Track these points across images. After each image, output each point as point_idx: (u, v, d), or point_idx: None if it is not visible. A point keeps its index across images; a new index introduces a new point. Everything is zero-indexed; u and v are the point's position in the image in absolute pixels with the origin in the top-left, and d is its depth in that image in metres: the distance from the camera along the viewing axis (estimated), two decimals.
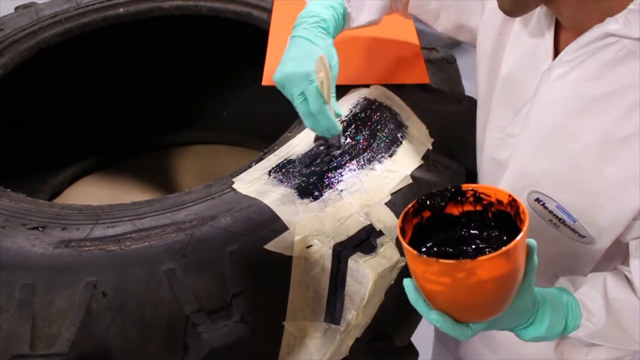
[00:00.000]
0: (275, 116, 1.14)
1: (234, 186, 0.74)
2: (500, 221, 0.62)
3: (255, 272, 0.68)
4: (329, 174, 0.76)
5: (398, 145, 0.82)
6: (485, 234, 0.63)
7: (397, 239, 0.74)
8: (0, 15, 1.13)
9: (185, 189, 0.77)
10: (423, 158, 0.82)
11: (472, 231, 0.64)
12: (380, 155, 0.79)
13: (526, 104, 0.73)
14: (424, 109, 0.91)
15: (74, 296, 0.63)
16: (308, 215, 0.72)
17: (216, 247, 0.67)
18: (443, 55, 1.06)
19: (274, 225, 0.70)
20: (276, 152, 0.80)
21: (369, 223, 0.73)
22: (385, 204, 0.75)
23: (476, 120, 0.88)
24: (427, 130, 0.89)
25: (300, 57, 0.73)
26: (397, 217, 0.74)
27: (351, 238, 0.72)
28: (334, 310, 0.72)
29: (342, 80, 0.89)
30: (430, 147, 0.86)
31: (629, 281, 0.70)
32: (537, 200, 0.73)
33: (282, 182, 0.75)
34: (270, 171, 0.77)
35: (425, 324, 1.23)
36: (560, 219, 0.72)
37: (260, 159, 0.80)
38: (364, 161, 0.78)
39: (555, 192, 0.71)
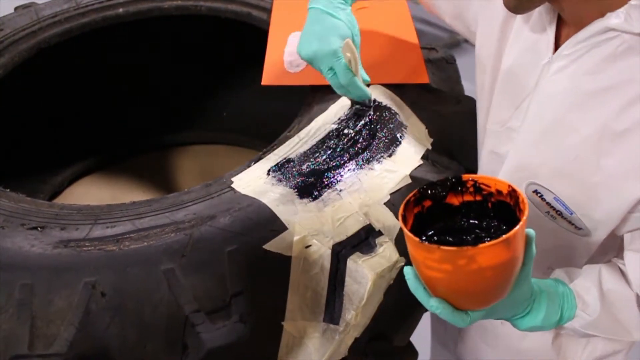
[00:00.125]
0: (275, 116, 1.14)
1: (233, 186, 0.74)
2: (500, 211, 0.62)
3: (254, 272, 0.68)
4: (328, 174, 0.76)
5: (397, 145, 0.82)
6: (484, 223, 0.64)
7: (396, 238, 0.74)
8: (0, 15, 1.13)
9: (185, 189, 0.77)
10: (422, 158, 0.82)
11: (471, 221, 0.65)
12: (379, 155, 0.79)
13: (527, 98, 0.74)
14: (424, 109, 0.91)
15: (73, 296, 0.63)
16: (307, 215, 0.72)
17: (215, 247, 0.67)
18: (443, 55, 1.06)
19: (273, 225, 0.70)
20: (275, 152, 0.80)
21: (368, 223, 0.73)
22: (385, 203, 0.75)
23: (477, 117, 0.88)
24: (427, 130, 0.89)
25: (324, 33, 0.77)
26: (397, 217, 0.74)
27: (350, 238, 0.72)
28: (332, 310, 0.72)
29: None
30: (430, 147, 0.86)
31: (623, 273, 0.71)
32: (535, 192, 0.74)
33: (281, 181, 0.75)
34: (269, 171, 0.77)
35: (425, 323, 1.23)
36: (557, 211, 0.73)
37: (260, 159, 0.80)
38: (363, 161, 0.78)
39: (554, 184, 0.71)
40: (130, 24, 1.17)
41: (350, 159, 0.78)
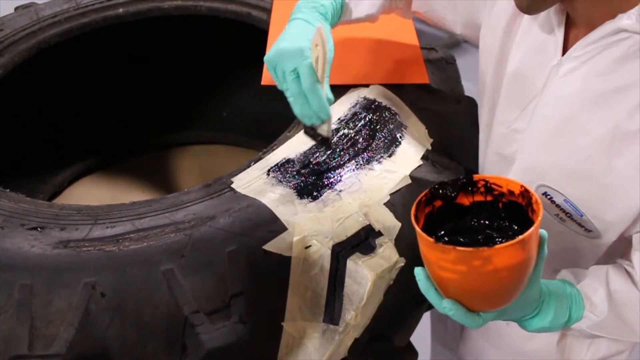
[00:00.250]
0: (275, 116, 1.14)
1: (232, 186, 0.74)
2: (511, 212, 0.62)
3: (254, 272, 0.68)
4: (328, 174, 0.76)
5: (397, 146, 0.82)
6: (495, 224, 0.64)
7: (396, 239, 0.74)
8: (0, 15, 1.13)
9: (185, 189, 0.77)
10: (422, 158, 0.82)
11: (482, 221, 0.65)
12: (379, 156, 0.79)
13: (534, 99, 0.74)
14: (424, 109, 0.91)
15: (73, 297, 0.63)
16: (307, 215, 0.71)
17: (215, 248, 0.67)
18: (442, 55, 1.06)
19: (273, 225, 0.70)
20: (275, 152, 0.80)
21: (367, 223, 0.73)
22: (384, 204, 0.75)
23: (478, 118, 0.88)
24: (427, 131, 0.89)
25: (295, 35, 0.72)
26: (396, 217, 0.74)
27: (350, 238, 0.72)
28: (332, 310, 0.72)
29: (342, 80, 0.89)
30: (430, 147, 0.86)
31: (629, 274, 0.71)
32: (545, 194, 0.74)
33: (280, 182, 0.75)
34: (269, 171, 0.77)
35: (425, 323, 1.23)
36: (567, 213, 0.73)
37: (260, 159, 0.80)
38: (362, 161, 0.78)
39: (564, 186, 0.71)
40: (130, 24, 1.17)
41: (350, 160, 0.78)
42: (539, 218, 0.55)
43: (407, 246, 0.74)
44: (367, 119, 0.84)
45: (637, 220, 0.68)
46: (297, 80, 0.69)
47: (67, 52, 1.13)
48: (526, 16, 0.74)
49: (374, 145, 0.80)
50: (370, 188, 0.76)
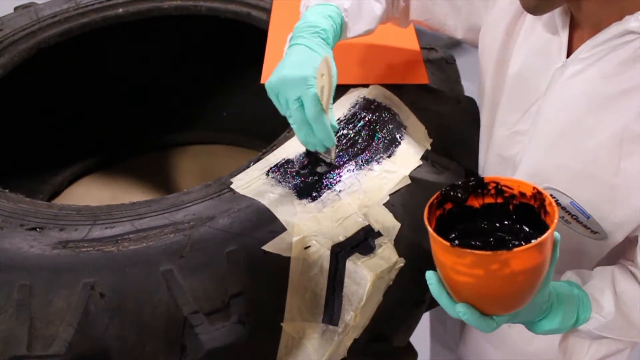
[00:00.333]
0: (275, 116, 1.13)
1: (232, 186, 0.74)
2: (522, 214, 0.62)
3: (254, 273, 0.68)
4: (328, 175, 0.76)
5: (397, 146, 0.81)
6: (505, 226, 0.64)
7: (395, 239, 0.74)
8: (0, 15, 1.13)
9: (184, 189, 0.77)
10: (422, 158, 0.82)
11: (492, 223, 0.64)
12: (378, 156, 0.79)
13: (537, 101, 0.73)
14: (423, 109, 0.91)
15: (72, 297, 0.63)
16: (306, 215, 0.71)
17: (214, 248, 0.67)
18: (442, 56, 1.06)
19: (272, 226, 0.70)
20: (274, 152, 0.80)
21: (367, 224, 0.73)
22: (384, 204, 0.75)
23: (479, 120, 0.88)
24: (426, 131, 0.89)
25: (299, 62, 0.70)
26: (396, 218, 0.74)
27: (349, 239, 0.72)
28: (332, 311, 0.72)
29: (341, 80, 0.88)
30: (429, 148, 0.86)
31: (633, 275, 0.71)
32: (550, 196, 0.74)
33: (280, 182, 0.75)
34: (268, 171, 0.77)
35: (424, 324, 1.23)
36: (573, 216, 0.73)
37: (259, 159, 0.79)
38: (362, 161, 0.78)
39: (570, 188, 0.71)
40: (130, 24, 1.17)
41: (349, 160, 0.78)
42: (555, 220, 0.55)
43: (406, 247, 0.74)
44: (367, 119, 0.83)
45: None
46: (301, 108, 0.68)
47: (67, 52, 1.14)
48: (529, 17, 0.73)
49: (373, 146, 0.80)
50: (369, 188, 0.75)
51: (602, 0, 0.63)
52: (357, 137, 0.81)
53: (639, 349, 1.03)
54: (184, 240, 0.67)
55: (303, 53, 0.72)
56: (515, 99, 0.77)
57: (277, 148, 0.81)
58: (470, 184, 0.63)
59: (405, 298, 0.78)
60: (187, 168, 1.39)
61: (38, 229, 0.69)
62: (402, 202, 0.76)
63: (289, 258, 0.69)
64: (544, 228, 0.56)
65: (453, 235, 0.63)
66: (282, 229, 0.70)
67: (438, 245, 0.56)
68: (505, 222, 0.64)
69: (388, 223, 0.74)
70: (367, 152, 0.79)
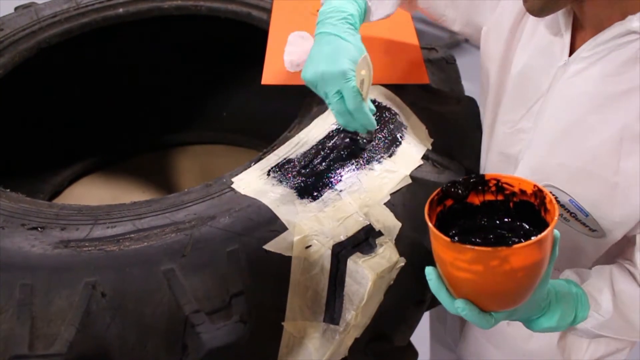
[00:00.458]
0: (275, 116, 1.14)
1: (233, 186, 0.74)
2: (522, 211, 0.62)
3: (255, 272, 0.68)
4: (328, 174, 0.76)
5: (397, 146, 0.82)
6: (505, 223, 0.64)
7: (396, 239, 0.74)
8: (0, 15, 1.13)
9: (185, 189, 0.77)
10: (422, 158, 0.82)
11: (492, 220, 0.64)
12: (379, 156, 0.79)
13: (539, 100, 0.74)
14: (424, 109, 0.91)
15: (73, 296, 0.63)
16: (307, 215, 0.72)
17: (215, 248, 0.67)
18: (443, 56, 1.06)
19: (273, 225, 0.70)
20: (275, 152, 0.80)
21: (368, 223, 0.73)
22: (385, 204, 0.75)
23: (481, 119, 0.88)
24: (427, 131, 0.89)
25: (333, 55, 0.71)
26: (396, 217, 0.75)
27: (350, 238, 0.72)
28: (333, 310, 0.72)
29: None
30: (430, 147, 0.86)
31: (631, 274, 0.72)
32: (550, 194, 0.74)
33: (281, 182, 0.75)
34: (269, 171, 0.77)
35: (424, 324, 1.23)
36: (571, 213, 0.73)
37: (260, 159, 0.80)
38: (363, 161, 0.78)
39: (570, 186, 0.71)
40: (130, 24, 1.17)
41: (350, 159, 0.78)
42: (555, 218, 0.55)
43: (407, 246, 0.74)
44: None
45: None
46: (341, 100, 0.70)
47: (67, 52, 1.14)
48: (532, 17, 0.74)
49: (374, 145, 0.80)
50: (370, 188, 0.76)
51: (605, 1, 0.64)
52: (357, 137, 0.81)
53: (639, 349, 1.03)
54: (185, 239, 0.67)
55: (334, 44, 0.72)
56: (518, 97, 0.77)
57: (277, 148, 0.81)
58: (471, 180, 0.63)
59: (406, 297, 0.78)
60: (187, 168, 1.39)
61: (39, 229, 0.69)
62: (402, 201, 0.76)
63: (290, 257, 0.69)
64: (544, 226, 0.56)
65: (453, 231, 0.63)
66: (283, 228, 0.70)
67: (438, 241, 0.56)
68: (505, 220, 0.64)
69: (389, 222, 0.74)
70: (367, 151, 0.79)
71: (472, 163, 0.90)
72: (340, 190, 0.75)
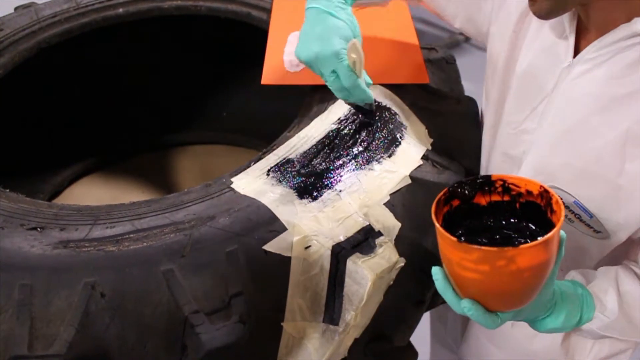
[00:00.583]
0: (275, 116, 1.14)
1: (232, 186, 0.74)
2: (528, 212, 0.62)
3: (254, 272, 0.68)
4: (328, 174, 0.76)
5: (397, 146, 0.81)
6: (512, 224, 0.64)
7: (395, 239, 0.74)
8: (0, 15, 1.13)
9: (184, 189, 0.77)
10: (422, 158, 0.82)
11: (498, 221, 0.65)
12: (379, 156, 0.79)
13: (543, 101, 0.74)
14: (424, 109, 0.91)
15: (73, 297, 0.63)
16: (307, 215, 0.71)
17: (215, 248, 0.67)
18: (443, 55, 1.06)
19: (273, 225, 0.70)
20: (275, 152, 0.80)
21: (367, 223, 0.73)
22: (384, 204, 0.75)
23: (483, 120, 0.88)
24: (427, 131, 0.89)
25: (325, 34, 0.73)
26: (396, 217, 0.74)
27: (350, 239, 0.72)
28: (332, 310, 0.72)
29: None
30: (430, 147, 0.86)
31: (636, 275, 0.72)
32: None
33: (280, 182, 0.75)
34: (269, 171, 0.77)
35: (424, 323, 1.23)
36: (576, 215, 0.73)
37: (260, 159, 0.79)
38: (362, 161, 0.78)
39: (574, 187, 0.71)
40: (130, 24, 1.17)
41: (349, 160, 0.78)
42: (561, 219, 0.55)
43: (407, 246, 0.74)
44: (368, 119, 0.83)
45: None
46: (337, 79, 0.73)
47: (67, 52, 1.13)
48: (535, 18, 0.74)
49: (373, 145, 0.80)
50: (370, 188, 0.76)
51: (610, 3, 0.63)
52: (357, 137, 0.81)
53: None
54: (185, 239, 0.67)
55: (326, 22, 0.74)
56: (522, 97, 0.77)
57: (277, 148, 0.81)
58: (478, 181, 0.63)
59: (405, 298, 0.78)
60: (187, 168, 1.39)
61: (39, 229, 0.69)
62: (402, 201, 0.76)
63: (289, 258, 0.69)
64: (550, 226, 0.56)
65: (460, 231, 0.64)
66: (283, 228, 0.70)
67: (445, 240, 0.56)
68: (512, 220, 0.64)
69: (388, 223, 0.74)
70: (367, 151, 0.79)
71: (472, 163, 0.90)
72: (340, 191, 0.75)
